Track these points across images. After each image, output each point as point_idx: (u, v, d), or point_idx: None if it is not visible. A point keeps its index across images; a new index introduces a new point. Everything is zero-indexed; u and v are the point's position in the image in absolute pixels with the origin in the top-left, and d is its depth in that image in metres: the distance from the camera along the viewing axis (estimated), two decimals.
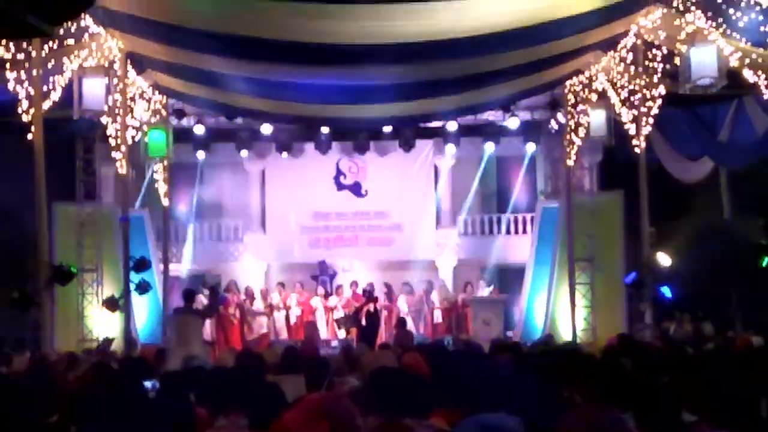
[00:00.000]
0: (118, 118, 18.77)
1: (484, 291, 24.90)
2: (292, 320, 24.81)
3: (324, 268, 26.68)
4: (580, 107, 21.11)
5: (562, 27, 16.39)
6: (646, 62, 17.96)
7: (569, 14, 16.00)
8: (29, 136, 15.92)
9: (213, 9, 15.82)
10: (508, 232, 27.98)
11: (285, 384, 6.45)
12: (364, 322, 23.31)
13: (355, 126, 24.84)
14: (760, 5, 15.03)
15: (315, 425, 3.42)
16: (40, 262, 15.96)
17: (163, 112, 22.04)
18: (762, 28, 15.39)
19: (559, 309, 23.24)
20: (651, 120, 18.61)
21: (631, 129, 18.81)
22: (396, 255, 27.43)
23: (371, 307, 23.50)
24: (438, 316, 25.18)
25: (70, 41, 16.64)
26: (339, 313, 24.38)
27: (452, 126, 25.54)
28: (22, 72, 15.83)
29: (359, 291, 24.91)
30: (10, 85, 15.82)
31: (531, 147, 26.41)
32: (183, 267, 26.40)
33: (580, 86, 20.86)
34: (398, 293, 25.28)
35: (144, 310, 23.14)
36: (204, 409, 6.46)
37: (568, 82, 21.20)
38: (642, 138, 18.70)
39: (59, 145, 20.33)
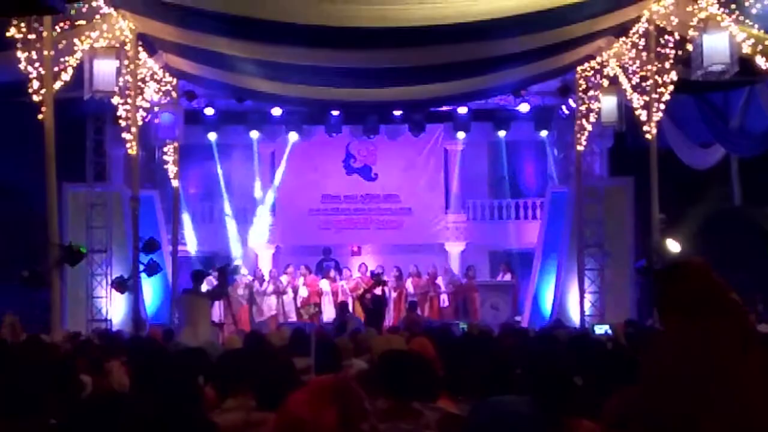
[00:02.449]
0: (129, 100, 18.77)
1: (506, 276, 24.96)
2: (300, 302, 24.84)
3: (328, 254, 26.71)
4: (592, 93, 21.06)
5: (573, 12, 16.34)
6: (658, 48, 17.87)
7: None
8: (40, 117, 15.92)
9: None
10: (517, 217, 27.97)
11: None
12: (371, 305, 23.31)
13: (365, 109, 24.83)
14: None
15: (323, 408, 3.42)
16: (51, 243, 15.98)
17: (174, 94, 22.01)
18: None
19: (567, 294, 23.23)
20: (662, 106, 18.53)
21: (643, 115, 18.74)
22: (405, 239, 27.42)
23: (378, 290, 23.49)
24: (444, 300, 25.23)
25: (82, 22, 16.63)
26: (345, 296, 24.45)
27: (463, 110, 25.52)
28: (34, 52, 15.81)
29: (368, 274, 24.93)
30: (22, 65, 15.82)
31: (542, 132, 26.37)
32: (190, 248, 26.44)
33: (592, 72, 20.80)
34: (407, 276, 25.33)
35: (153, 292, 23.20)
36: (212, 390, 6.48)
37: (579, 68, 21.14)
38: (653, 124, 18.63)
39: (70, 125, 20.33)
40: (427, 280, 25.39)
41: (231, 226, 27.71)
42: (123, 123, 18.97)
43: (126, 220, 21.16)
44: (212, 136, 26.14)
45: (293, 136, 26.54)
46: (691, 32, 16.14)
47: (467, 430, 4.77)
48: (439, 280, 25.41)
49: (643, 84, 18.82)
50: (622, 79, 19.57)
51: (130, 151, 19.47)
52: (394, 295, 24.73)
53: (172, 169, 23.01)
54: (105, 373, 7.13)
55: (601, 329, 16.58)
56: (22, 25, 15.46)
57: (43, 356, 7.63)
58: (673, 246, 20.82)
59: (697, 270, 4.40)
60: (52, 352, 8.39)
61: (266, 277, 25.07)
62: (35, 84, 15.97)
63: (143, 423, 2.91)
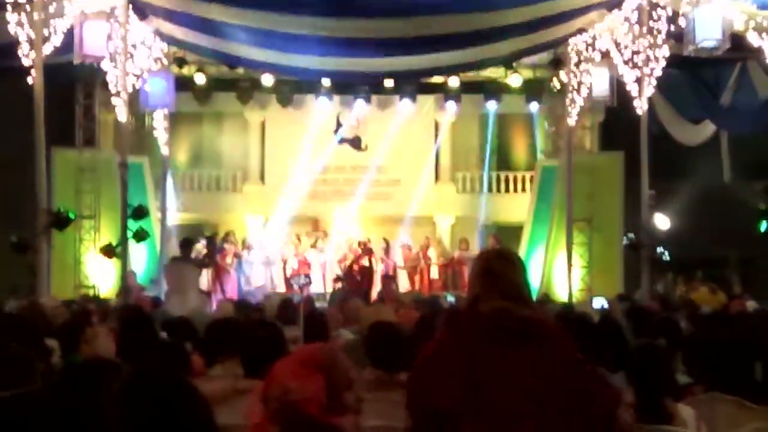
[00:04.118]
0: (119, 65, 18.67)
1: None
2: (289, 272, 24.84)
3: (316, 225, 26.72)
4: (583, 66, 21.00)
5: None
6: (651, 22, 17.84)
7: None
8: (29, 81, 15.85)
9: None
10: (507, 190, 28.00)
11: None
12: (358, 277, 23.35)
13: (356, 79, 24.75)
14: None
15: (309, 376, 3.42)
16: (39, 207, 15.94)
17: (164, 60, 21.89)
18: None
19: (555, 268, 23.28)
20: (653, 81, 18.51)
21: (634, 90, 18.72)
22: (394, 210, 27.41)
23: (365, 260, 23.51)
24: (435, 272, 25.26)
25: None
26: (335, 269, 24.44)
27: (454, 82, 25.46)
28: (23, 15, 15.72)
29: (355, 245, 24.93)
30: (11, 28, 15.73)
31: (532, 105, 26.34)
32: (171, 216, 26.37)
33: (584, 45, 20.74)
34: (396, 248, 25.34)
35: (141, 259, 23.18)
36: (199, 358, 6.49)
37: (571, 41, 21.08)
38: (644, 99, 18.61)
39: (59, 90, 20.22)
40: (417, 253, 25.40)
41: (220, 194, 27.68)
42: (113, 89, 18.88)
43: (115, 186, 21.09)
44: (202, 104, 26.04)
45: (284, 105, 26.45)
46: (683, 7, 16.11)
47: None
48: (431, 251, 25.41)
49: (635, 58, 18.78)
50: (614, 53, 19.53)
51: (119, 118, 19.39)
52: (382, 266, 24.72)
53: (162, 136, 22.93)
54: (86, 338, 7.09)
55: (597, 303, 16.65)
56: None
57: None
58: (662, 221, 20.88)
59: None
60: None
61: (254, 246, 25.05)
62: (25, 47, 15.88)
63: (129, 390, 2.91)
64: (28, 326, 6.98)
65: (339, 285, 23.46)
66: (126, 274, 20.00)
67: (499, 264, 3.95)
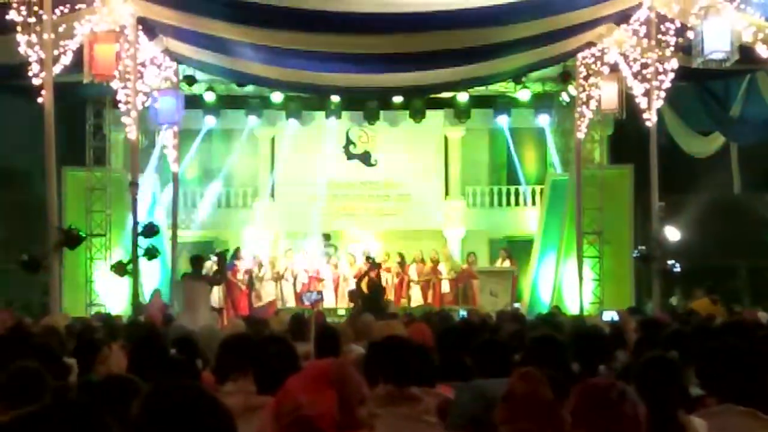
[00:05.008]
0: (129, 84, 18.73)
1: (506, 263, 24.81)
2: (299, 288, 24.84)
3: (327, 240, 26.69)
4: (592, 80, 21.01)
5: None
6: (659, 35, 17.82)
7: None
8: (40, 100, 15.90)
9: None
10: (517, 203, 28.00)
11: None
12: (366, 291, 23.27)
13: (365, 95, 24.82)
14: None
15: (321, 392, 3.42)
16: (50, 226, 15.98)
17: (174, 79, 21.97)
18: None
19: (566, 282, 23.25)
20: (662, 94, 18.49)
21: (643, 102, 18.70)
22: (404, 225, 27.41)
23: (374, 274, 23.45)
24: (446, 286, 25.23)
25: (82, 5, 16.57)
26: (350, 286, 24.38)
27: (463, 97, 25.51)
28: (34, 35, 15.78)
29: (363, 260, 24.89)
30: (21, 49, 15.79)
31: (542, 119, 26.36)
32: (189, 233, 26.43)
33: (592, 59, 20.75)
34: (409, 262, 25.34)
35: (152, 276, 23.19)
36: (210, 375, 6.49)
37: (580, 55, 21.09)
38: (653, 112, 18.59)
39: (69, 109, 20.34)
40: (430, 267, 25.40)
41: (230, 211, 27.72)
42: (123, 107, 18.95)
43: (125, 205, 21.13)
44: (212, 121, 26.14)
45: (293, 122, 26.52)
46: (692, 20, 16.10)
47: (452, 410, 4.84)
48: (442, 266, 25.40)
49: (644, 71, 18.77)
50: (623, 66, 19.53)
51: (129, 136, 19.44)
52: (396, 281, 24.72)
53: (171, 154, 22.97)
54: (102, 357, 7.12)
55: (607, 316, 16.60)
56: (23, 8, 15.42)
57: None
58: (672, 234, 20.84)
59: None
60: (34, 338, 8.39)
61: (265, 263, 25.05)
62: (35, 67, 15.94)
63: (151, 404, 2.91)
64: (46, 345, 7.02)
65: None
66: (154, 293, 20.13)
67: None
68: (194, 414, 2.86)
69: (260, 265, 24.88)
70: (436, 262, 25.41)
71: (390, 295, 23.90)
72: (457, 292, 25.21)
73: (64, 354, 7.42)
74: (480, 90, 25.22)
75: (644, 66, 18.70)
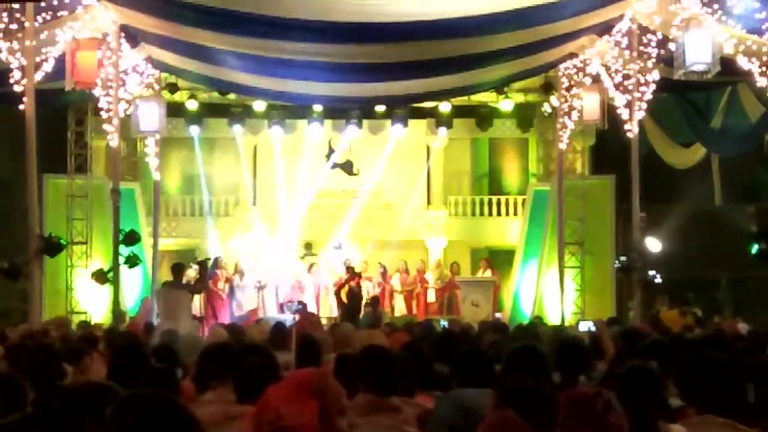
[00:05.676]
0: (111, 91, 18.67)
1: (487, 273, 24.77)
2: (281, 297, 24.76)
3: (309, 249, 26.65)
4: (574, 91, 21.06)
5: (557, 10, 16.33)
6: (641, 47, 17.88)
7: None
8: (21, 107, 15.85)
9: None
10: (499, 213, 28.01)
11: None
12: (345, 300, 23.23)
13: (348, 104, 24.81)
14: None
15: (301, 401, 3.41)
16: (30, 234, 15.91)
17: (156, 86, 21.92)
18: (757, 15, 15.39)
19: (548, 292, 23.27)
20: (644, 105, 18.55)
21: (624, 113, 18.76)
22: (386, 234, 27.34)
23: (353, 283, 23.41)
24: (432, 296, 25.16)
25: (64, 12, 16.52)
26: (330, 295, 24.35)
27: (445, 107, 25.54)
28: (15, 42, 15.73)
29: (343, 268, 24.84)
30: (3, 55, 15.74)
31: (524, 130, 26.41)
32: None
33: (574, 70, 20.80)
34: (393, 272, 25.28)
35: (133, 285, 23.10)
36: (190, 383, 6.47)
37: (562, 66, 21.14)
38: (635, 123, 18.65)
39: (51, 116, 20.25)
40: (415, 277, 25.34)
41: (212, 219, 27.64)
42: (104, 115, 18.88)
43: (106, 212, 21.05)
44: (194, 130, 26.09)
45: (276, 130, 26.47)
46: (673, 31, 16.16)
47: (432, 420, 4.83)
48: (428, 275, 25.35)
49: (626, 82, 18.84)
50: (605, 77, 19.60)
51: (111, 143, 19.36)
52: (377, 290, 24.65)
53: (153, 162, 22.90)
54: (84, 365, 7.11)
55: (584, 326, 16.61)
56: (4, 14, 15.37)
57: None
58: (654, 245, 20.92)
59: None
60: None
61: (246, 271, 24.95)
62: (17, 74, 15.89)
63: (120, 412, 2.90)
64: (41, 352, 7.01)
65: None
66: (143, 300, 20.04)
67: None
68: (163, 424, 2.85)
69: (242, 274, 24.79)
70: (422, 272, 25.38)
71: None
72: (442, 302, 25.17)
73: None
74: (462, 100, 25.26)
75: (626, 77, 18.77)
